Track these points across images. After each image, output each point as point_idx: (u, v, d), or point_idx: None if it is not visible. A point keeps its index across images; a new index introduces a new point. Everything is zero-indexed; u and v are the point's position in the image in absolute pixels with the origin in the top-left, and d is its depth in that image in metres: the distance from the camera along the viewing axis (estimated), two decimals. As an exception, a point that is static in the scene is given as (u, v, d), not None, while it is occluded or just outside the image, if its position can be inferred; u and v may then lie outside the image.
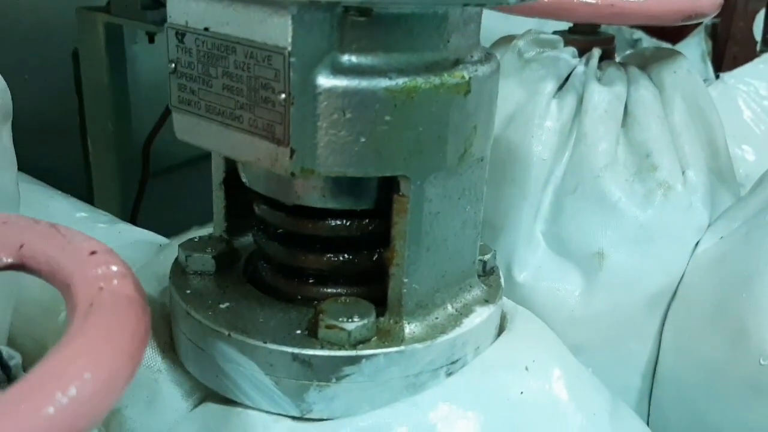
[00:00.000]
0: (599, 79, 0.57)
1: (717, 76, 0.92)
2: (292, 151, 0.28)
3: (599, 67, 0.58)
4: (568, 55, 0.58)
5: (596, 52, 0.58)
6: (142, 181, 0.91)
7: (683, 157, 0.56)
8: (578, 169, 0.54)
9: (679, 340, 0.53)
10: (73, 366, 0.21)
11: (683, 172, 0.55)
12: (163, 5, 0.79)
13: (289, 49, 0.27)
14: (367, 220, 0.33)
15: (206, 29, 0.29)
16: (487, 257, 0.38)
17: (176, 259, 0.37)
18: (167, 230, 0.60)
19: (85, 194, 0.95)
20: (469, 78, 0.30)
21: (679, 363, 0.53)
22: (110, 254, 0.27)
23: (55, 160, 0.84)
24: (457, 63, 0.30)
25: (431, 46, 0.30)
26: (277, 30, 0.27)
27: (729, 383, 0.48)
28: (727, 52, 0.91)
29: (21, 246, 0.26)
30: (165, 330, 0.38)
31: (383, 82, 0.28)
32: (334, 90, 0.28)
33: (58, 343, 0.22)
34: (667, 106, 0.57)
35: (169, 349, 0.37)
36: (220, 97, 0.30)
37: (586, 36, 0.60)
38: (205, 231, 0.40)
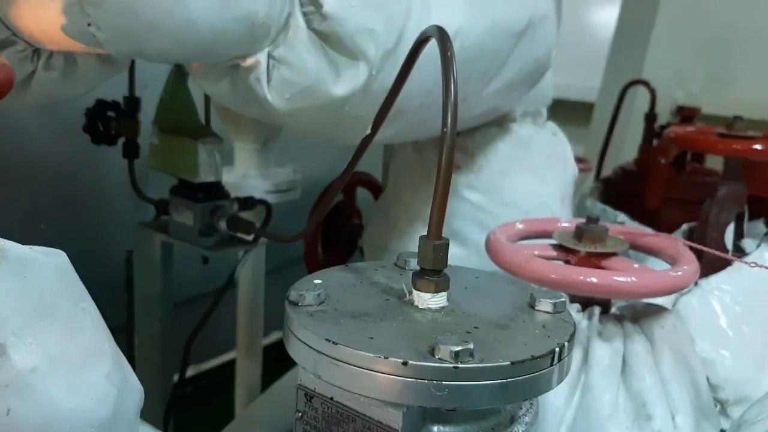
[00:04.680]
0: (600, 333, 0.68)
1: (695, 283, 1.05)
2: (397, 500, 0.38)
3: (599, 321, 0.70)
4: (572, 310, 0.69)
5: (596, 310, 0.70)
6: (182, 373, 1.01)
7: (672, 402, 0.67)
8: (587, 416, 0.65)
9: None
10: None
11: (673, 418, 0.66)
12: (218, 231, 0.91)
13: (400, 431, 0.37)
14: None
15: (331, 398, 0.40)
16: None
17: None
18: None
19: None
20: (522, 432, 0.41)
21: None
22: None
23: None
24: (512, 420, 0.41)
25: (495, 413, 0.41)
26: (392, 417, 0.38)
27: None
28: (703, 259, 1.04)
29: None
30: None
31: (463, 448, 0.39)
32: (428, 454, 0.39)
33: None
34: (657, 357, 0.68)
35: None
36: (340, 448, 0.40)
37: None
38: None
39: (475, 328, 0.41)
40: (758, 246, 1.09)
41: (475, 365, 0.37)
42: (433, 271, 0.43)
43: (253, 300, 1.23)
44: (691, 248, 1.03)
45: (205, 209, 0.87)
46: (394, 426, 0.38)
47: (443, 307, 0.43)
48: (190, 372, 1.58)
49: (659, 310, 0.71)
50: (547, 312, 0.44)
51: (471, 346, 0.37)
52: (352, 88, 0.63)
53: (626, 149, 1.78)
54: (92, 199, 1.22)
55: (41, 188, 1.15)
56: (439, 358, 0.37)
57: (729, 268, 1.05)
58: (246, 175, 1.17)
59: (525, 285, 0.50)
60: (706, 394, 0.71)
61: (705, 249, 0.80)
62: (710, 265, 1.10)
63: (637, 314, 0.71)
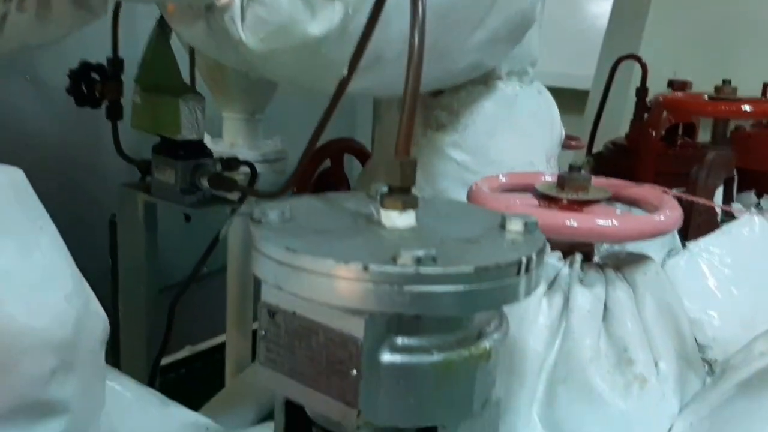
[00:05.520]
0: (581, 280, 0.68)
1: (684, 245, 1.04)
2: (359, 411, 0.37)
3: (581, 268, 0.69)
4: (554, 258, 0.68)
5: (578, 257, 0.69)
6: (166, 337, 0.99)
7: (655, 348, 0.66)
8: (567, 360, 0.64)
9: None
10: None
11: (656, 363, 0.65)
12: (200, 189, 0.90)
13: (362, 340, 0.37)
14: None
15: (294, 313, 0.39)
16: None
17: None
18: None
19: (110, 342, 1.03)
20: (490, 347, 0.40)
21: None
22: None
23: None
24: (480, 335, 0.40)
25: (461, 326, 0.40)
26: (353, 326, 0.37)
27: None
28: (692, 222, 1.03)
29: None
30: None
31: (427, 358, 0.38)
32: (392, 365, 0.38)
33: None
34: (640, 303, 0.67)
35: None
36: (302, 363, 0.39)
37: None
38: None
39: (442, 242, 0.40)
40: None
41: (437, 270, 0.36)
42: (401, 188, 0.42)
43: (243, 278, 1.22)
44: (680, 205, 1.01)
45: (186, 167, 0.86)
46: (356, 335, 0.37)
47: (411, 227, 0.42)
48: (185, 353, 1.57)
49: (642, 258, 0.71)
50: (518, 231, 0.43)
51: (433, 252, 0.36)
52: (327, 27, 0.62)
53: (622, 130, 1.77)
54: (79, 165, 1.21)
55: (28, 155, 1.15)
56: (400, 264, 0.36)
57: (718, 231, 1.04)
58: (233, 144, 1.16)
59: (498, 213, 0.48)
60: (691, 343, 0.70)
61: (693, 198, 0.80)
62: (698, 229, 1.10)
63: (619, 262, 0.70)
